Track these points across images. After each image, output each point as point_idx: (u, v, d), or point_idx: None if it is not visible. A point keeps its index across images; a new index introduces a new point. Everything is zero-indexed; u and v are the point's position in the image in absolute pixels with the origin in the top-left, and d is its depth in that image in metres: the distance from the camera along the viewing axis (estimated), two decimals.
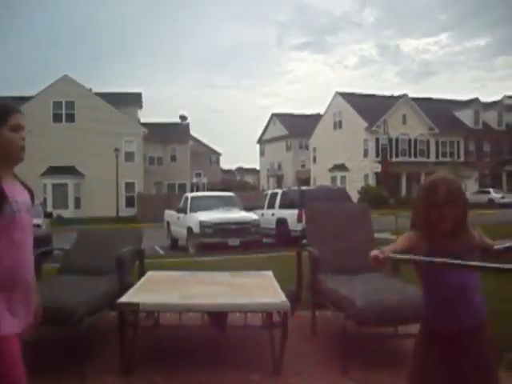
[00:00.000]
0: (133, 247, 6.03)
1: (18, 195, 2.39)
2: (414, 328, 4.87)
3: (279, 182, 65.70)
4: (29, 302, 2.46)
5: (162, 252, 16.37)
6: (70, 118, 38.81)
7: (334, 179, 50.91)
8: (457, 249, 2.34)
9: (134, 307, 4.25)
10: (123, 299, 4.33)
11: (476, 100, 55.17)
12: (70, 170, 37.56)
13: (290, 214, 17.12)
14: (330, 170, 51.97)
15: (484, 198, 44.04)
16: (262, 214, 18.85)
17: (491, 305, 2.75)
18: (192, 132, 56.41)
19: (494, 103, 56.05)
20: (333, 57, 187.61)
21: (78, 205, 37.81)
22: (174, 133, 50.71)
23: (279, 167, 69.06)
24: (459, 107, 55.12)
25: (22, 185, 2.53)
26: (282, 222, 18.00)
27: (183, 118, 57.58)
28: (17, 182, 2.50)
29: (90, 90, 41.03)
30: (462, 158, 51.87)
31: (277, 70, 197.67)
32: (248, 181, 79.57)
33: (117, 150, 36.51)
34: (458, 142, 52.67)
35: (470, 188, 44.80)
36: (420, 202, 2.44)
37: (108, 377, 4.26)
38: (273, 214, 18.84)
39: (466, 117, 54.13)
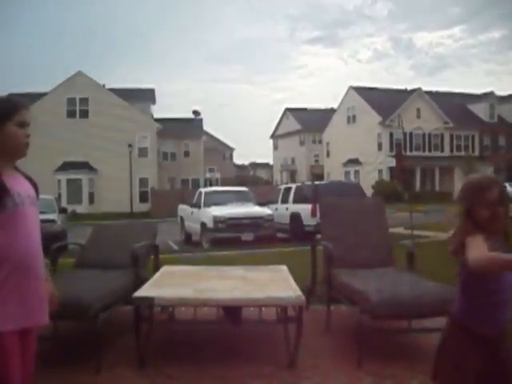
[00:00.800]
0: (147, 242, 6.07)
1: (20, 188, 2.39)
2: (428, 322, 4.89)
3: (293, 176, 65.61)
4: (41, 293, 2.45)
5: (176, 247, 16.43)
6: (84, 113, 38.99)
7: (347, 174, 50.80)
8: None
9: (149, 301, 4.27)
10: (138, 293, 4.36)
11: (491, 93, 54.70)
12: (84, 166, 37.76)
13: (304, 209, 17.08)
14: (344, 165, 51.83)
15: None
16: (276, 209, 18.82)
17: None
18: (205, 127, 56.51)
19: (510, 97, 55.49)
20: (345, 51, 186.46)
21: (91, 200, 38.01)
22: (187, 128, 50.78)
23: (293, 162, 68.97)
24: (474, 101, 54.68)
25: (25, 178, 2.54)
26: (295, 217, 17.97)
27: (196, 113, 57.66)
28: (19, 175, 2.50)
29: (104, 86, 41.20)
30: (476, 152, 51.46)
31: (289, 64, 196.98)
32: (261, 176, 79.55)
33: (130, 145, 36.63)
34: (473, 136, 52.27)
35: None
36: (485, 202, 2.34)
37: (123, 369, 4.30)
38: (287, 209, 18.81)
39: (480, 110, 53.70)
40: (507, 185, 45.77)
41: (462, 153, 50.16)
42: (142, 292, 4.41)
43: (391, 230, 7.97)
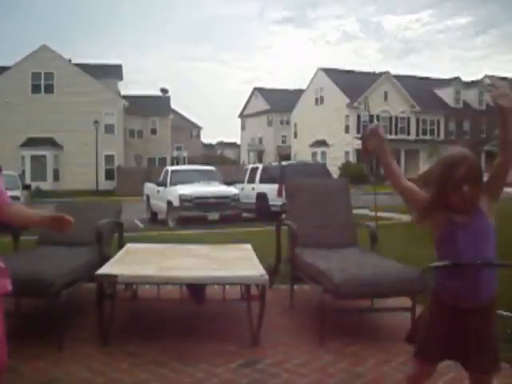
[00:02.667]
0: (112, 219, 6.03)
1: None
2: (390, 301, 4.98)
3: (260, 156, 65.63)
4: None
5: (141, 225, 16.34)
6: (49, 88, 38.22)
7: (314, 155, 50.98)
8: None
9: (112, 279, 4.25)
10: (101, 271, 4.34)
11: (457, 79, 55.35)
12: (49, 142, 37.06)
13: (270, 189, 17.14)
14: (311, 146, 52.00)
15: None
16: (242, 189, 18.85)
17: None
18: (173, 105, 55.96)
19: (475, 82, 56.27)
20: (315, 32, 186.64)
21: (56, 177, 37.41)
22: (154, 106, 50.22)
23: (260, 142, 68.91)
24: (440, 85, 55.29)
25: None
26: (262, 197, 18.04)
27: (164, 90, 57.06)
28: None
29: (70, 60, 40.41)
30: (441, 137, 52.17)
31: (258, 44, 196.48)
32: (229, 155, 79.33)
33: (96, 122, 36.16)
34: (439, 121, 52.93)
35: None
36: (446, 177, 2.34)
37: (86, 347, 4.28)
38: (253, 189, 18.86)
39: (446, 95, 54.34)
40: None
41: (428, 136, 50.84)
42: (105, 269, 4.39)
43: (357, 211, 8.07)
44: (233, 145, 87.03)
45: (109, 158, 39.48)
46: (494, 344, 2.49)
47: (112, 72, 44.24)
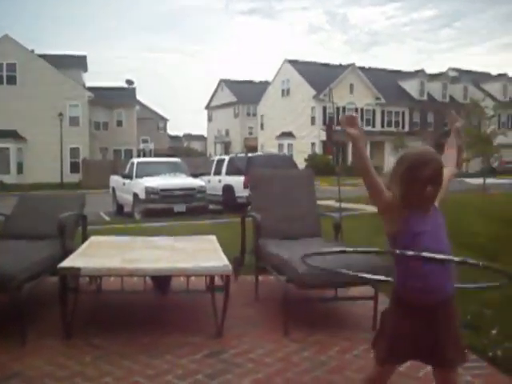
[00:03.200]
0: (75, 212, 5.97)
1: None
2: (354, 290, 5.04)
3: (227, 148, 65.55)
4: None
5: (107, 218, 16.21)
6: (12, 80, 37.57)
7: (281, 146, 51.15)
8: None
9: (75, 272, 4.21)
10: (64, 264, 4.29)
11: (421, 71, 56.10)
12: (12, 134, 36.44)
13: (237, 181, 17.15)
14: (278, 138, 52.15)
15: None
16: (209, 181, 18.83)
17: None
18: (139, 97, 55.49)
19: (439, 75, 57.08)
20: (281, 23, 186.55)
21: (20, 170, 36.85)
22: (120, 97, 49.67)
23: (227, 134, 68.82)
24: (405, 78, 55.98)
25: None
26: (228, 189, 18.03)
27: (129, 82, 56.43)
28: None
29: (33, 51, 39.72)
30: (406, 128, 52.85)
31: (225, 35, 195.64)
32: (195, 147, 79.03)
33: (61, 114, 35.67)
34: (403, 113, 53.61)
35: None
36: (413, 177, 2.35)
37: (49, 340, 4.24)
38: (219, 181, 18.84)
39: (411, 88, 55.03)
40: None
41: (393, 128, 51.45)
42: (67, 262, 4.34)
43: (322, 202, 8.14)
44: (200, 137, 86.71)
45: (74, 151, 39.02)
46: (458, 336, 2.52)
47: (76, 63, 43.67)
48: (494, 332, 4.33)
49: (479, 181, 26.64)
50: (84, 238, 6.00)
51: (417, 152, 2.43)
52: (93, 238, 5.74)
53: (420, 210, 2.41)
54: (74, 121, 38.99)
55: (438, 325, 2.45)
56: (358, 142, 2.44)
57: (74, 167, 38.43)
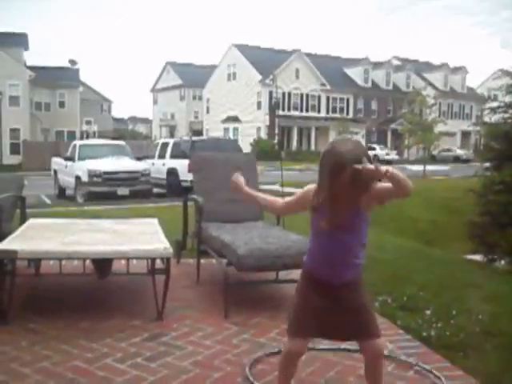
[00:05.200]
0: (12, 194, 5.82)
1: None
2: (294, 274, 5.10)
3: (172, 132, 64.98)
4: None
5: (48, 201, 15.90)
6: None
7: (226, 131, 51.10)
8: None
9: (11, 255, 4.12)
10: (0, 246, 4.19)
11: (366, 59, 56.85)
12: None
13: (181, 164, 17.06)
14: (223, 122, 52.05)
15: (370, 154, 45.96)
16: (153, 164, 18.70)
17: (369, 253, 2.97)
18: (82, 78, 54.30)
19: (383, 63, 58.04)
20: (229, 5, 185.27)
21: None
22: (62, 77, 48.48)
23: (172, 117, 68.20)
24: (350, 65, 56.64)
25: None
26: (172, 172, 17.96)
27: (73, 62, 55.13)
28: None
29: None
30: (350, 115, 53.56)
31: (171, 16, 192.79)
32: (140, 130, 78.03)
33: (0, 93, 34.56)
34: (348, 99, 54.30)
35: None
36: (333, 183, 2.37)
37: None
38: (164, 164, 18.73)
39: (356, 75, 55.77)
40: (377, 147, 48.39)
41: (338, 114, 52.06)
42: (3, 245, 4.24)
43: (266, 187, 8.18)
44: (145, 120, 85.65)
45: (14, 132, 37.97)
46: (368, 311, 2.63)
47: (17, 41, 42.30)
48: (428, 313, 4.49)
49: (420, 167, 27.33)
50: (22, 221, 5.85)
51: (338, 152, 2.38)
52: (31, 221, 5.61)
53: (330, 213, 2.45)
54: (13, 101, 37.92)
55: (342, 302, 2.57)
56: (243, 192, 2.86)
57: (15, 148, 37.38)
